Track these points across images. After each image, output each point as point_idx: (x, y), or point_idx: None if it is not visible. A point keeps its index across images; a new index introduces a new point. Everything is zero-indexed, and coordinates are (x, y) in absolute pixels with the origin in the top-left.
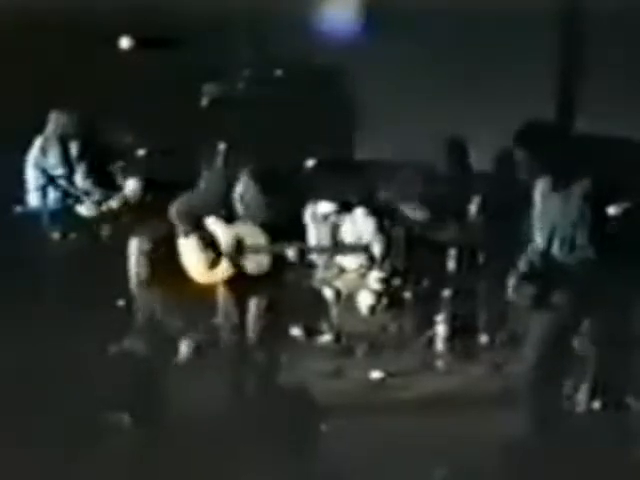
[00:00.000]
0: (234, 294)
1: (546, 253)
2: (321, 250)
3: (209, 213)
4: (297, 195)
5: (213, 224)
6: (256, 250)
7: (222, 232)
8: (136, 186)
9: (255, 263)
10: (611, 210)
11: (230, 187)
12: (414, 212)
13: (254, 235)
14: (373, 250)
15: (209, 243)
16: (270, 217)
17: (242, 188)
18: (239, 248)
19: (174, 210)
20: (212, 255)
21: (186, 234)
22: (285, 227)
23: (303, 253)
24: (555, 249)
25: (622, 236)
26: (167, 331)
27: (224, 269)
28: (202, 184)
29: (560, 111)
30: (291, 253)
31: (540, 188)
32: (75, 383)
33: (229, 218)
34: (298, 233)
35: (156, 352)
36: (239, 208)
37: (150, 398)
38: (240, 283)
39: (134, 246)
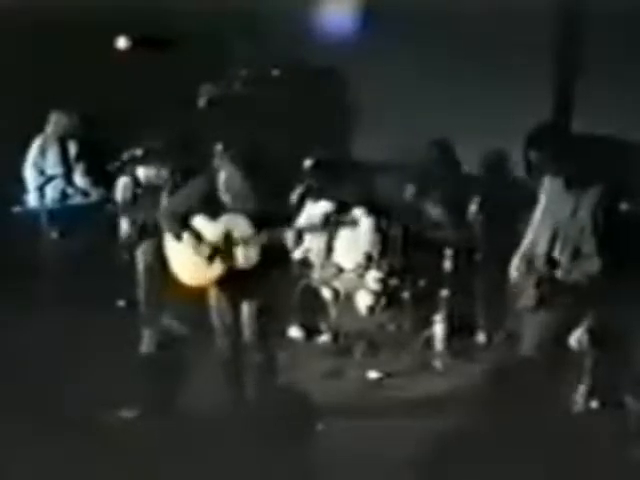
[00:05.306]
0: (227, 295)
1: (547, 254)
2: (312, 228)
3: (195, 212)
4: (283, 178)
5: (200, 222)
6: (246, 241)
7: (210, 229)
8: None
9: (244, 257)
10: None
11: (214, 182)
12: (434, 209)
13: (242, 226)
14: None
15: (201, 241)
16: (257, 205)
17: (225, 176)
18: (229, 242)
19: (161, 213)
20: (207, 250)
21: (177, 236)
22: (273, 214)
23: (298, 236)
24: (556, 252)
25: (625, 237)
26: (170, 332)
27: (215, 267)
28: (188, 184)
29: (558, 112)
30: (286, 236)
31: (549, 187)
32: (74, 383)
33: (216, 213)
34: (287, 219)
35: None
36: (226, 199)
37: (149, 399)
38: (232, 284)
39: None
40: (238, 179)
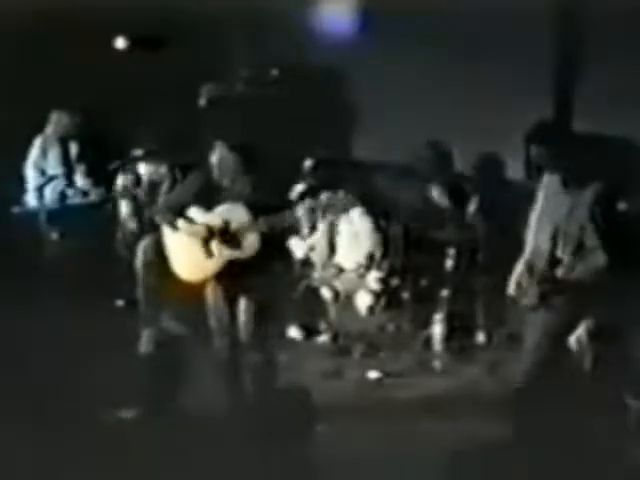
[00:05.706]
0: (226, 291)
1: (550, 253)
2: (317, 205)
3: (191, 204)
4: (280, 166)
5: (196, 214)
6: (245, 229)
7: (207, 220)
8: (127, 182)
9: (243, 246)
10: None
11: (209, 173)
12: (440, 197)
13: (239, 214)
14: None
15: (198, 232)
16: (255, 190)
17: (218, 158)
18: (227, 232)
19: (158, 208)
20: (202, 231)
21: (172, 225)
22: (272, 203)
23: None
24: (559, 250)
25: (625, 237)
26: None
27: (213, 261)
28: (186, 180)
29: (558, 111)
30: (292, 216)
31: (547, 185)
32: (74, 383)
33: (211, 205)
34: (283, 206)
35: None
36: (224, 183)
37: (148, 399)
38: (231, 279)
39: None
40: (230, 162)
